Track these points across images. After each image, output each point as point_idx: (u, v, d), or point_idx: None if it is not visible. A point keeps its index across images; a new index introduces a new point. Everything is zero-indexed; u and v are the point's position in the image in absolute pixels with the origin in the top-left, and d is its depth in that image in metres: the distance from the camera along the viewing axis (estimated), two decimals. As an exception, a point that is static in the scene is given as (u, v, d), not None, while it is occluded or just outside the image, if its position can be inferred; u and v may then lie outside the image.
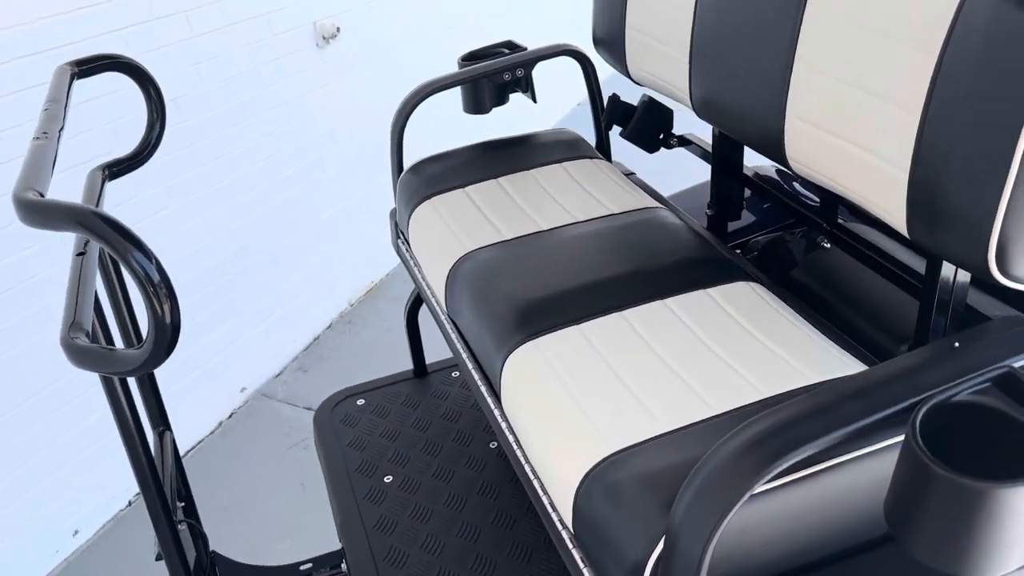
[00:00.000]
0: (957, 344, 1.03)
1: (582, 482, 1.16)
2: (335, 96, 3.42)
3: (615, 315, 1.44)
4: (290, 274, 3.36)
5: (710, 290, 1.48)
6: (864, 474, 1.08)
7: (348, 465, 1.97)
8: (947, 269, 1.29)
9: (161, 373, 1.66)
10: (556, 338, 1.41)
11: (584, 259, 1.58)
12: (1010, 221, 1.06)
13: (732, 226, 2.02)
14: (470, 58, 2.10)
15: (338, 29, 3.35)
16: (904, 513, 0.93)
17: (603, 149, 2.16)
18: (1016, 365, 1.01)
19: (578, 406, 1.26)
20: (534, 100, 2.10)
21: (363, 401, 2.16)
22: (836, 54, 1.29)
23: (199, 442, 3.04)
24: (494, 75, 2.02)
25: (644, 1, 1.79)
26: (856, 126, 1.26)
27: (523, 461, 1.34)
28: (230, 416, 3.15)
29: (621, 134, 2.12)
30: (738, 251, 1.91)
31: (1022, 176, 1.03)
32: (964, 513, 0.87)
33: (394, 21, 3.67)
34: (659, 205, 1.79)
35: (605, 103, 2.12)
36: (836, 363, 1.30)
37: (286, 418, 3.12)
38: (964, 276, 1.30)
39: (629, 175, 2.09)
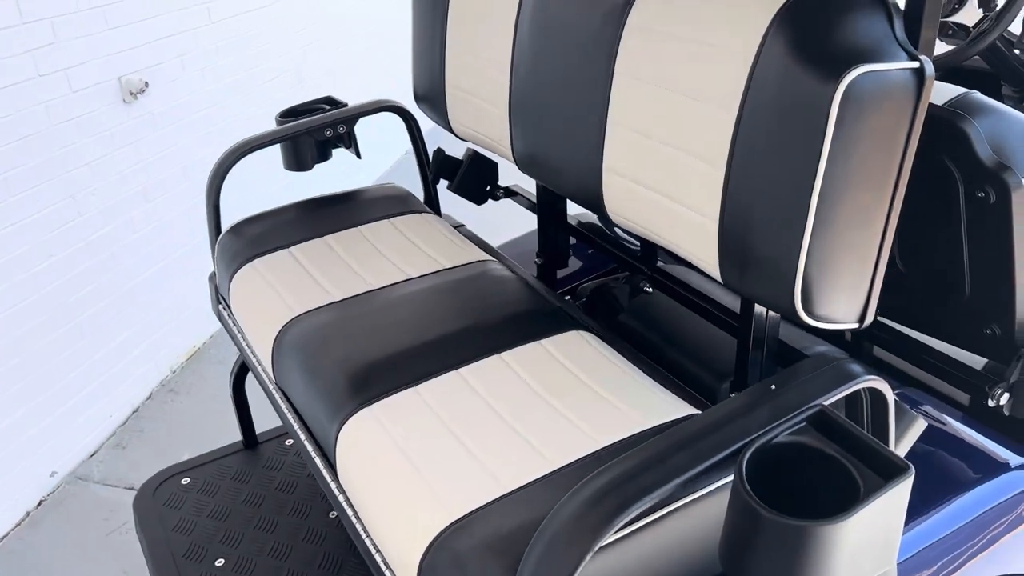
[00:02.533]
0: (773, 386, 1.08)
1: (425, 554, 1.12)
2: (146, 153, 3.24)
3: (452, 373, 1.41)
4: (101, 344, 3.13)
5: (544, 341, 1.49)
6: (702, 516, 1.10)
7: (174, 551, 1.83)
8: (759, 309, 1.35)
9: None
10: (391, 402, 1.37)
11: (418, 317, 1.55)
12: (811, 267, 1.12)
13: (561, 273, 2.05)
14: (288, 115, 2.04)
15: (146, 84, 3.19)
16: (736, 554, 0.94)
17: (431, 202, 2.15)
18: (828, 402, 1.06)
19: (417, 473, 1.22)
20: (358, 156, 2.07)
21: (188, 479, 2.02)
22: (645, 114, 1.33)
23: (2, 536, 2.75)
24: (315, 131, 1.98)
25: (462, 59, 1.80)
26: (668, 180, 1.31)
27: (363, 534, 1.28)
28: (39, 504, 2.88)
29: (449, 187, 2.12)
30: (568, 298, 1.93)
31: (818, 227, 1.10)
32: (790, 552, 0.89)
33: (209, 75, 3.54)
34: (489, 258, 1.79)
35: (430, 157, 2.11)
36: (666, 407, 1.33)
37: (104, 501, 2.88)
38: (775, 316, 1.37)
39: (458, 227, 2.08)
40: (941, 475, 1.53)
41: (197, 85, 3.49)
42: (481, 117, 1.77)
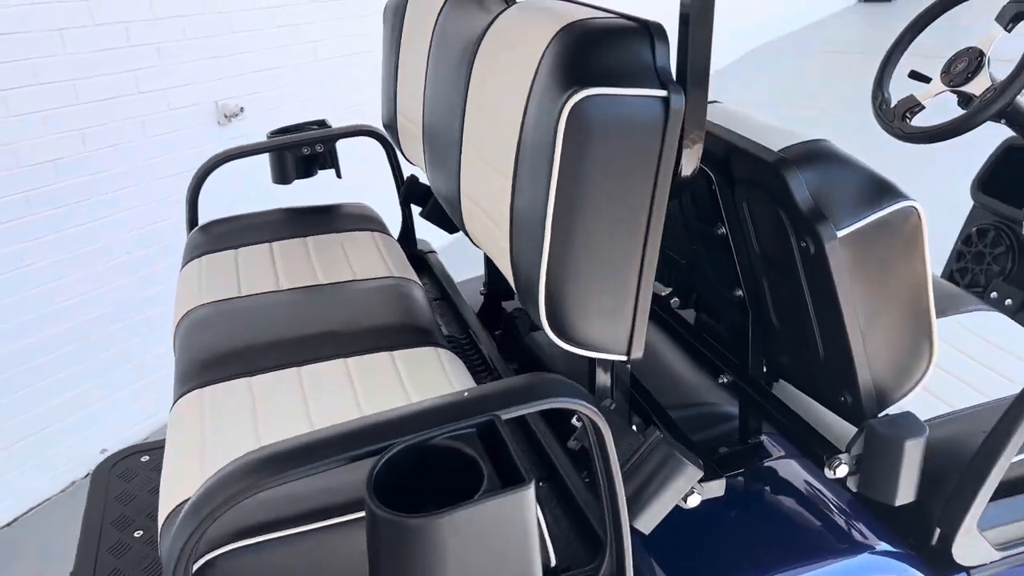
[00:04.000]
0: (466, 393, 1.05)
1: (165, 522, 1.17)
2: (231, 169, 3.54)
3: (292, 370, 1.47)
4: (160, 341, 3.41)
5: (395, 352, 1.51)
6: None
7: (106, 517, 1.98)
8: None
9: None
10: (224, 387, 1.44)
11: (293, 317, 1.62)
12: (551, 284, 1.10)
13: (513, 304, 2.06)
14: (279, 132, 2.19)
15: (242, 109, 3.50)
16: (369, 551, 0.93)
17: (406, 227, 2.23)
18: (515, 414, 1.02)
19: (200, 459, 1.27)
20: (338, 175, 2.18)
21: (147, 458, 2.18)
22: (482, 137, 1.36)
23: (48, 498, 3.05)
24: (294, 148, 2.11)
25: (406, 87, 1.89)
26: (492, 201, 1.32)
27: None
28: (85, 476, 3.16)
29: (420, 214, 2.19)
30: (497, 332, 1.94)
31: (555, 245, 1.08)
32: (391, 547, 0.88)
33: (300, 105, 3.83)
34: (402, 276, 1.83)
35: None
36: None
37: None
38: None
39: (429, 253, 2.15)
40: (791, 539, 1.41)
41: (294, 115, 3.77)
42: (417, 146, 1.84)
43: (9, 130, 2.77)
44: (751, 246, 1.42)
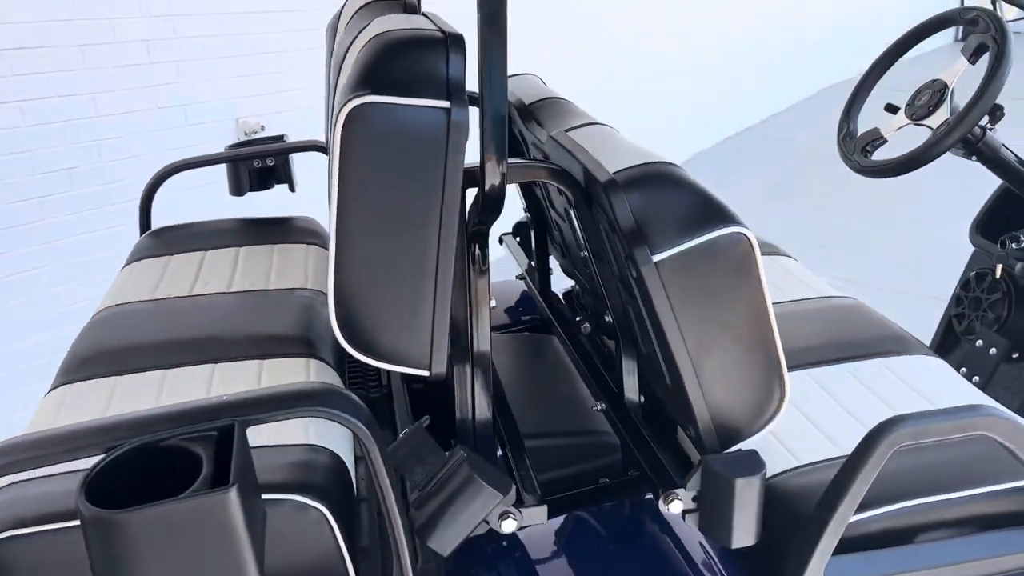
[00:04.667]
0: (225, 397, 1.04)
1: None
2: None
3: (159, 372, 1.49)
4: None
5: (265, 361, 1.53)
6: None
7: None
8: None
9: None
10: (89, 386, 1.47)
11: (186, 322, 1.65)
12: (339, 292, 1.10)
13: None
14: (238, 146, 2.26)
15: (263, 127, 3.61)
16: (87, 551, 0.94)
17: None
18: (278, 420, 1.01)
19: None
20: (291, 189, 2.23)
21: None
22: None
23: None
24: (244, 161, 2.17)
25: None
26: None
27: None
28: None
29: None
30: None
31: (340, 249, 1.08)
32: (93, 543, 0.88)
33: (320, 124, 3.92)
34: (322, 291, 1.84)
35: None
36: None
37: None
38: None
39: None
40: (630, 572, 1.35)
41: (314, 133, 3.87)
42: None
43: (26, 138, 2.93)
44: (612, 269, 1.38)
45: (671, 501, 1.26)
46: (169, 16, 3.28)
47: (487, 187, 1.14)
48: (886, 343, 1.80)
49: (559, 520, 1.48)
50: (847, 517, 1.24)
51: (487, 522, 1.23)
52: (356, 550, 1.21)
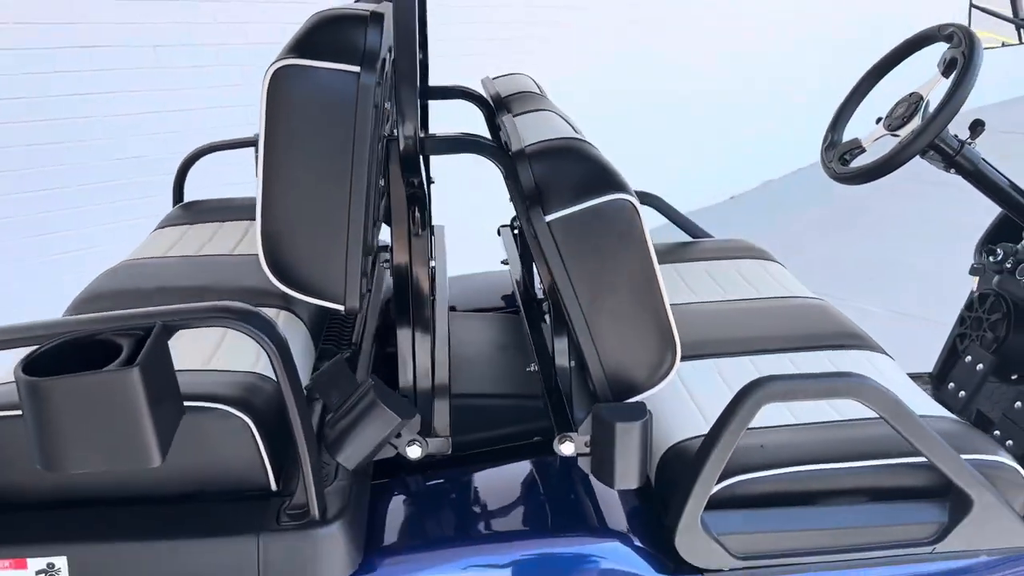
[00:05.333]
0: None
1: None
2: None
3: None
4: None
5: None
6: None
7: None
8: None
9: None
10: None
11: (185, 274, 1.85)
12: (267, 224, 1.27)
13: None
14: None
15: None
16: None
17: None
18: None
19: None
20: None
21: None
22: None
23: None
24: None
25: None
26: None
27: None
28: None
29: None
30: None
31: (267, 189, 1.25)
32: (30, 407, 1.07)
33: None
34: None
35: None
36: None
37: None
38: None
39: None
40: (527, 516, 1.47)
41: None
42: None
43: (105, 129, 3.25)
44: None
45: (563, 443, 1.38)
46: (239, 24, 3.58)
47: (401, 148, 1.30)
48: (837, 338, 1.87)
49: (475, 473, 1.61)
50: (721, 463, 1.34)
51: (395, 447, 1.38)
52: (281, 464, 1.37)
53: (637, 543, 1.43)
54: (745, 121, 6.54)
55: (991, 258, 2.21)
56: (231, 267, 1.90)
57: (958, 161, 2.03)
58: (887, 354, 1.86)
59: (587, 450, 1.39)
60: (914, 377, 2.63)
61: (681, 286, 2.15)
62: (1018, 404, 2.14)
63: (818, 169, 7.38)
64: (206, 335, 1.54)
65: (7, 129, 3.10)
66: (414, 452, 1.38)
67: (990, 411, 2.37)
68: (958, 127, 1.93)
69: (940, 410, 1.63)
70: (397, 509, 1.52)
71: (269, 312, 1.70)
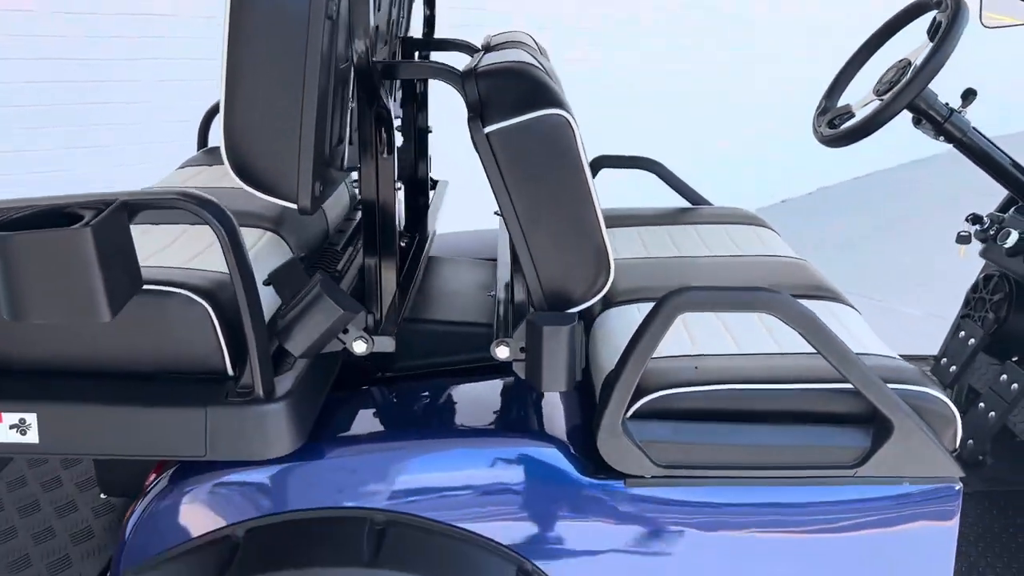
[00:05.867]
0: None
1: None
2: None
3: (144, 226, 1.84)
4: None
5: None
6: None
7: None
8: None
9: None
10: None
11: None
12: (229, 120, 1.39)
13: None
14: None
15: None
16: None
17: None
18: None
19: None
20: None
21: None
22: None
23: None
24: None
25: None
26: None
27: None
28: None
29: None
30: None
31: (229, 84, 1.37)
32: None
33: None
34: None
35: None
36: None
37: None
38: None
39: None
40: (461, 417, 1.56)
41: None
42: None
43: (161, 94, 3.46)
44: None
45: (499, 347, 1.47)
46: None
47: (355, 62, 1.41)
48: (807, 289, 1.91)
49: (429, 387, 1.71)
50: (640, 366, 1.41)
51: (342, 341, 1.48)
52: (239, 353, 1.48)
53: (569, 448, 1.50)
54: (803, 125, 6.50)
55: (978, 226, 2.22)
56: (232, 196, 2.04)
57: (947, 128, 2.05)
58: (855, 309, 1.89)
59: (522, 356, 1.47)
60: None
61: (667, 242, 2.20)
62: (1003, 377, 2.14)
63: (875, 179, 7.27)
64: (188, 246, 1.68)
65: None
66: (359, 347, 1.48)
67: (979, 385, 2.36)
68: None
69: (889, 351, 1.66)
70: (351, 412, 1.62)
71: (256, 232, 1.83)
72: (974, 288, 2.53)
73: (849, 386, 1.46)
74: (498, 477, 1.48)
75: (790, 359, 1.56)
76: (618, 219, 2.34)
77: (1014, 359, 2.21)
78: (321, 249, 2.05)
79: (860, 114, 2.19)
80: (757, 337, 1.65)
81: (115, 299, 1.25)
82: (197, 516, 1.50)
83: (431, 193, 2.39)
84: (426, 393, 1.66)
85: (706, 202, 2.56)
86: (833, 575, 1.50)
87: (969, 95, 2.08)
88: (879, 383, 1.43)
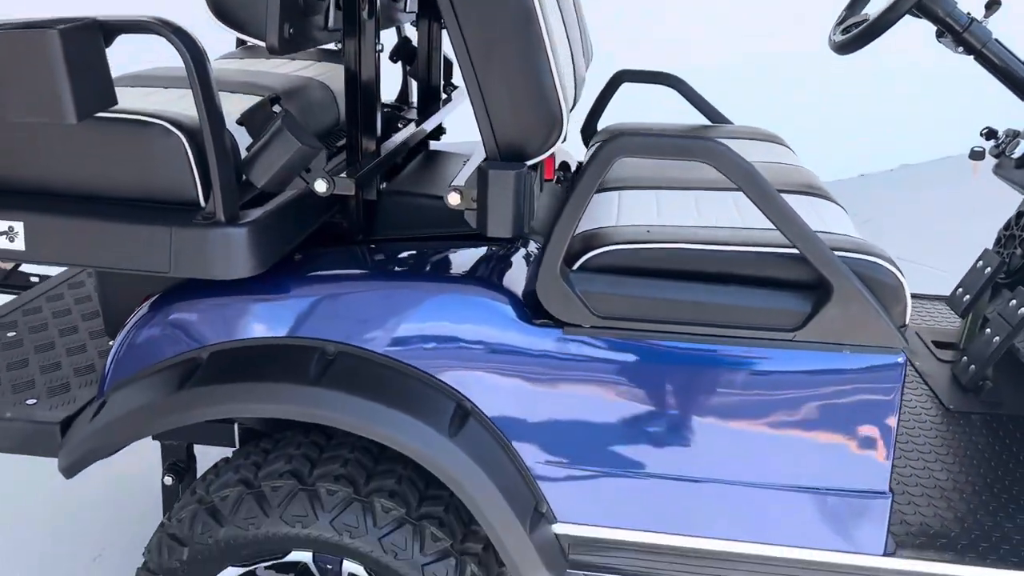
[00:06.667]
0: None
1: None
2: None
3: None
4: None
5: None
6: None
7: None
8: None
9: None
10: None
11: None
12: None
13: None
14: None
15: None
16: None
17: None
18: None
19: None
20: None
21: None
22: None
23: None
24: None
25: None
26: None
27: None
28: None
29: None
30: None
31: None
32: None
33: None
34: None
35: None
36: None
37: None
38: None
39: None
40: (423, 268, 1.61)
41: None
42: None
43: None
44: None
45: (451, 193, 1.52)
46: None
47: None
48: (796, 186, 1.89)
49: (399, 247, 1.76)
50: (578, 211, 1.44)
51: (306, 180, 1.55)
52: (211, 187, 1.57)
53: (517, 296, 1.55)
54: (890, 101, 6.30)
55: (992, 141, 2.14)
56: (251, 73, 2.15)
57: (966, 39, 1.99)
58: (842, 207, 1.87)
59: (474, 206, 1.52)
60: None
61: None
62: (1013, 302, 2.07)
63: (961, 159, 6.97)
64: (186, 108, 1.79)
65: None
66: (320, 187, 1.55)
67: (990, 313, 2.29)
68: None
69: (855, 231, 1.64)
70: (322, 262, 1.70)
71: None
72: (1006, 226, 2.44)
73: (795, 251, 1.45)
74: (446, 319, 1.53)
75: (744, 232, 1.56)
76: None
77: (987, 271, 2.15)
78: (328, 132, 2.14)
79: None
80: (726, 217, 1.66)
81: (83, 105, 1.35)
82: (169, 342, 1.62)
83: (451, 93, 2.46)
84: (396, 252, 1.73)
85: (727, 121, 2.55)
86: (765, 442, 1.50)
87: (993, 4, 2.01)
88: (820, 244, 1.42)
